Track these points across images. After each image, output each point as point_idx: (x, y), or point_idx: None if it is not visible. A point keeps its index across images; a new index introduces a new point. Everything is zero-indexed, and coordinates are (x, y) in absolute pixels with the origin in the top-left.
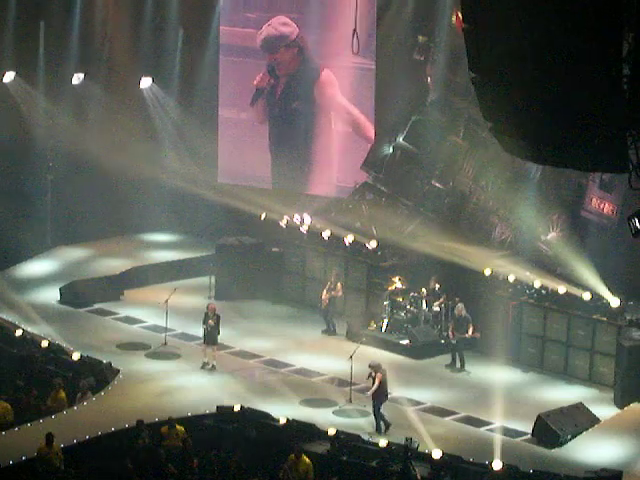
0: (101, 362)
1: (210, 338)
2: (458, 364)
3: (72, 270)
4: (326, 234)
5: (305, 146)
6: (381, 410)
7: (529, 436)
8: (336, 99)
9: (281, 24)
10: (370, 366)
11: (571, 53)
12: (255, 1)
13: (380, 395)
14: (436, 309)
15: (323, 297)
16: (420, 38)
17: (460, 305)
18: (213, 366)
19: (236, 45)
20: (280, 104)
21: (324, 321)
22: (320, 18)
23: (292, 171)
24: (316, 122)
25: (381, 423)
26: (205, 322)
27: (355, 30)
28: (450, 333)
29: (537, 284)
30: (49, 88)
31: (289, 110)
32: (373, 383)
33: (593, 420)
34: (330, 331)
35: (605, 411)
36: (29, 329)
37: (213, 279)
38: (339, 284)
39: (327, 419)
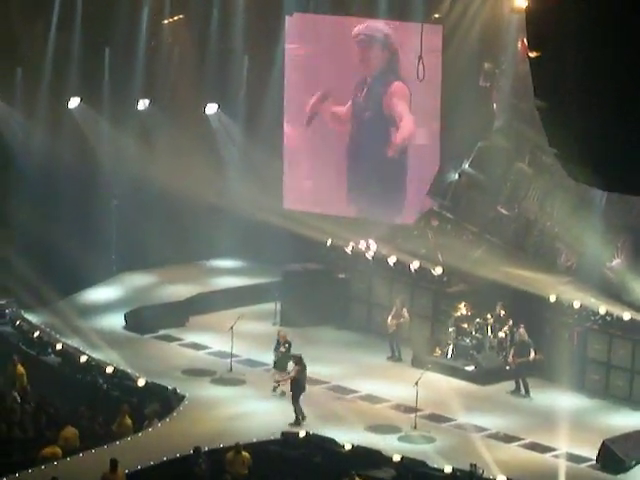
0: (166, 388)
1: (281, 365)
2: (522, 390)
3: (137, 296)
4: (392, 260)
5: (372, 170)
6: (300, 403)
7: (594, 462)
8: (405, 115)
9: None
10: (292, 357)
11: None
12: (322, 26)
13: (297, 388)
14: (501, 335)
15: (389, 323)
16: (486, 65)
17: (522, 330)
18: (283, 392)
19: (302, 68)
20: (356, 112)
21: (389, 347)
22: (385, 42)
23: (358, 196)
24: (383, 142)
25: (299, 416)
26: (277, 349)
27: (421, 56)
28: (510, 358)
29: (602, 310)
30: (114, 114)
31: (361, 122)
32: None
33: None
34: (395, 358)
35: None
36: (94, 355)
37: (278, 305)
38: (405, 310)
39: (392, 445)
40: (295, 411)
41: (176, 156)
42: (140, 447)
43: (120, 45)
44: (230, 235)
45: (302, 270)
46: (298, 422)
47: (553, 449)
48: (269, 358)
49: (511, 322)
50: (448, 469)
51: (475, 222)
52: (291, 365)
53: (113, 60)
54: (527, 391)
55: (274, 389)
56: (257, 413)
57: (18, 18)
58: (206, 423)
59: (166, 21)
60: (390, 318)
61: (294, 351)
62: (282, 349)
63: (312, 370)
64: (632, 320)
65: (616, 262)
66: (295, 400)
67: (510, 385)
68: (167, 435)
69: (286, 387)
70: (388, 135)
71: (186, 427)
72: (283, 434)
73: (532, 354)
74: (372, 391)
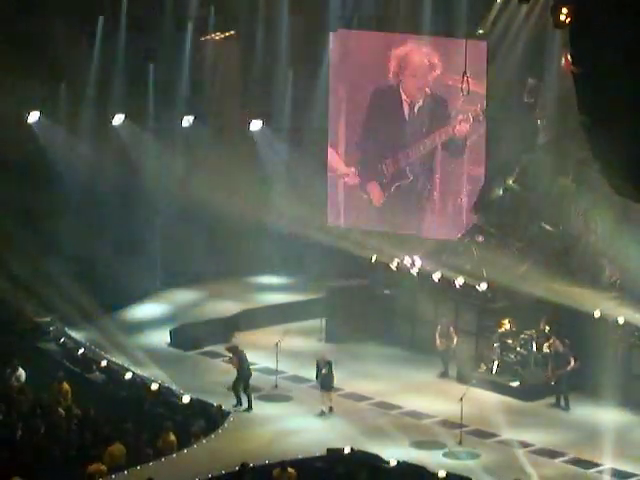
0: (212, 405)
1: (326, 385)
2: (562, 403)
3: (182, 312)
4: (436, 276)
5: (418, 186)
6: (249, 389)
7: (639, 478)
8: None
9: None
10: (227, 349)
11: None
12: (366, 41)
13: (242, 374)
14: (546, 351)
15: (438, 342)
16: (530, 80)
17: (557, 342)
18: (330, 409)
19: (346, 83)
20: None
21: (442, 364)
22: (430, 59)
23: (402, 213)
24: (429, 158)
25: (246, 400)
26: (318, 373)
27: (465, 73)
28: (549, 372)
29: None
30: (159, 131)
31: (407, 138)
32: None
33: None
34: (446, 374)
35: None
36: (139, 372)
37: (324, 321)
38: (451, 329)
39: (437, 461)
40: (237, 395)
41: (221, 172)
42: (185, 464)
43: (164, 61)
44: (275, 251)
45: (347, 286)
46: (239, 403)
47: (598, 465)
48: (314, 375)
49: (555, 337)
50: None
51: (519, 238)
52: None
53: (157, 76)
54: (567, 405)
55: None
56: (303, 429)
57: (62, 34)
58: (251, 440)
59: (210, 37)
60: (438, 336)
61: (337, 366)
62: (324, 371)
63: (357, 386)
64: None
65: None
66: (243, 387)
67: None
68: (213, 452)
69: (332, 404)
70: (449, 151)
71: (231, 444)
72: (329, 450)
73: (572, 363)
74: (417, 407)
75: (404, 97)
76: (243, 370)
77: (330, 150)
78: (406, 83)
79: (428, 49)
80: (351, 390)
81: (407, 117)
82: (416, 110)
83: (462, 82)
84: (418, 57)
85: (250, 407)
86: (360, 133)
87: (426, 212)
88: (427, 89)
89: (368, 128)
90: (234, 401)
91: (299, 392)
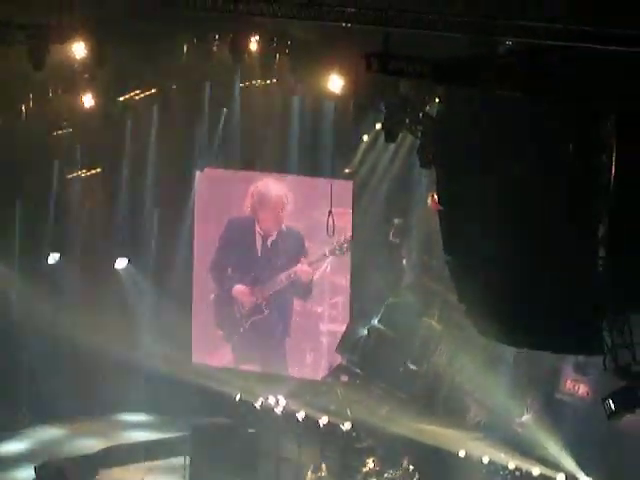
0: None
1: None
2: None
3: (48, 449)
4: (300, 416)
5: (280, 326)
6: None
7: None
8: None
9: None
10: None
11: (548, 243)
12: (231, 181)
13: None
14: None
15: (308, 478)
16: (396, 220)
17: None
18: None
19: (211, 222)
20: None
21: None
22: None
23: (267, 352)
24: (293, 299)
25: None
26: None
27: (330, 212)
28: None
29: (511, 465)
30: (24, 268)
31: (268, 277)
32: None
33: None
34: None
35: None
36: None
37: (187, 459)
38: (323, 464)
39: None
40: None
41: (86, 310)
42: None
43: (31, 198)
44: (140, 389)
45: (212, 424)
46: None
47: None
48: None
49: (419, 477)
50: None
51: (384, 378)
52: None
53: (23, 213)
54: None
55: None
56: None
57: None
58: None
59: (77, 174)
60: (310, 473)
61: None
62: None
63: None
64: (542, 475)
65: (525, 417)
66: None
67: None
68: None
69: None
70: (297, 291)
71: None
72: None
73: None
74: None
75: (258, 230)
76: None
77: (195, 288)
78: (261, 217)
79: (288, 186)
80: None
81: (260, 252)
82: (269, 244)
83: (327, 222)
84: (275, 192)
85: None
86: (215, 267)
87: (288, 352)
88: (282, 224)
89: (223, 262)
90: None
91: None
